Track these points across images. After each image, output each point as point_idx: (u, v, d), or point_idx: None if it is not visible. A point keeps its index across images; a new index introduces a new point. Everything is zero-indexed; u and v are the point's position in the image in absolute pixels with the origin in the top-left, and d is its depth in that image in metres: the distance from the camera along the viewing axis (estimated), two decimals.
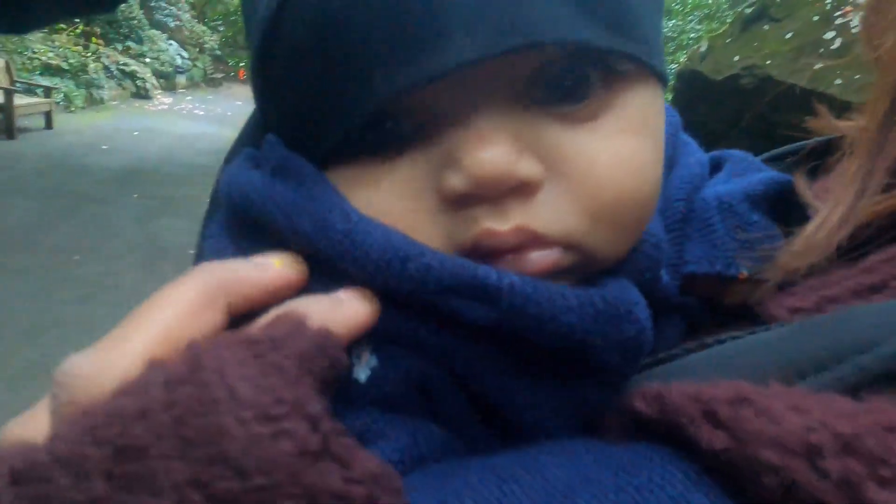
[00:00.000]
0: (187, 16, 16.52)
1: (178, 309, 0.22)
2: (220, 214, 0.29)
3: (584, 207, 0.25)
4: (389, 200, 0.25)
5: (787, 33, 3.46)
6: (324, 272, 0.25)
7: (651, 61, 0.26)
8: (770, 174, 0.35)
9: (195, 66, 16.36)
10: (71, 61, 10.50)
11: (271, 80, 0.27)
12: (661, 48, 0.29)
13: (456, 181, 0.24)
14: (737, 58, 3.67)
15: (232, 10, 9.72)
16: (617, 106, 0.26)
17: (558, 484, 0.19)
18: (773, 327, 0.27)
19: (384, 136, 0.25)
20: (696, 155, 0.37)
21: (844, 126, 0.35)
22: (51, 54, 10.15)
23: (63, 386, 0.21)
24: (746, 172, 0.37)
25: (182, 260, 4.46)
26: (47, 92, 8.63)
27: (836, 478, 0.16)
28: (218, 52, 16.96)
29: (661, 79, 0.28)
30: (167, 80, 14.50)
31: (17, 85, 7.93)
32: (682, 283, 0.33)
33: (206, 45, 17.02)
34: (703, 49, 4.01)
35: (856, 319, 0.23)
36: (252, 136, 0.32)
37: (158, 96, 13.45)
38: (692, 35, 9.94)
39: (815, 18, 3.36)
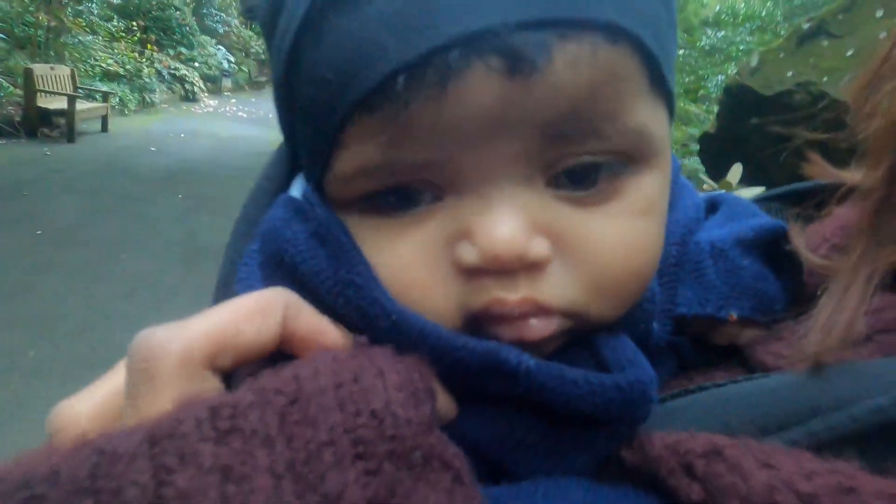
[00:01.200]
0: (235, 21, 17.10)
1: (235, 314, 0.24)
2: (257, 250, 0.30)
3: (589, 282, 0.27)
4: (406, 265, 0.26)
5: (848, 50, 3.34)
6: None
7: (663, 72, 0.27)
8: (762, 220, 0.36)
9: (241, 69, 16.92)
10: (127, 67, 11.05)
11: (293, 110, 0.28)
12: (673, 69, 0.29)
13: (470, 255, 0.25)
14: (790, 73, 3.53)
15: None
16: (624, 191, 0.27)
17: None
18: (756, 377, 0.28)
19: (405, 202, 0.26)
20: (692, 198, 0.38)
21: (839, 174, 0.36)
22: (110, 61, 10.71)
23: (140, 351, 0.23)
24: (740, 217, 0.37)
25: (220, 258, 4.65)
26: (105, 97, 9.13)
27: None
28: (263, 57, 17.48)
29: (669, 104, 0.29)
30: (214, 84, 15.05)
31: (79, 91, 8.42)
32: (676, 324, 0.34)
33: (251, 50, 17.58)
34: (753, 63, 3.89)
35: (835, 375, 0.24)
36: (279, 169, 0.35)
37: (205, 99, 13.98)
38: (742, 47, 9.68)
39: (882, 35, 3.22)
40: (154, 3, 13.08)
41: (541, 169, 0.26)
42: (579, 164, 0.26)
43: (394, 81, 0.23)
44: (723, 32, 10.72)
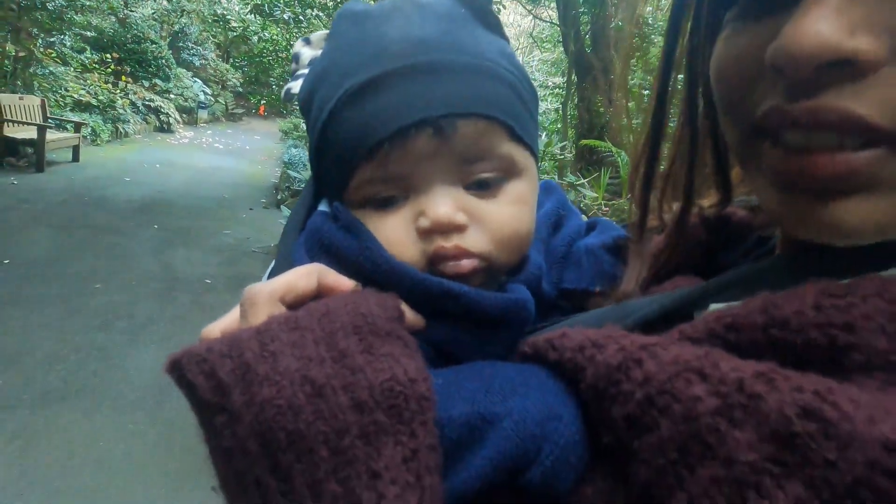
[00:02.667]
0: (212, 55, 17.16)
1: (294, 275, 0.41)
2: (302, 242, 0.49)
3: (491, 238, 0.47)
4: (392, 232, 0.46)
5: None
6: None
7: (533, 147, 0.51)
8: (619, 232, 0.59)
9: (217, 101, 16.91)
10: (100, 98, 10.95)
11: (324, 159, 0.49)
12: (536, 139, 0.52)
13: (425, 223, 0.46)
14: None
15: (256, 51, 10.12)
16: (506, 190, 0.49)
17: (480, 368, 0.39)
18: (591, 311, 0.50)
19: (390, 201, 0.47)
20: (576, 220, 0.61)
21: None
22: (82, 92, 10.61)
23: (247, 294, 0.39)
24: (607, 232, 0.59)
25: (195, 290, 4.60)
26: (77, 127, 9.01)
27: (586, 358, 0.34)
28: (240, 90, 17.54)
29: (535, 158, 0.52)
30: (189, 115, 14.99)
31: (50, 121, 8.29)
32: (563, 295, 0.55)
33: (228, 83, 17.61)
34: None
35: (624, 305, 0.45)
36: (309, 197, 0.54)
37: (181, 130, 13.89)
38: None
39: None
40: (129, 36, 13.07)
41: (460, 180, 0.47)
42: (480, 179, 0.47)
43: (381, 145, 0.44)
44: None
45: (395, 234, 0.46)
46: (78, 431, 2.61)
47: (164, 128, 13.34)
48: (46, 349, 3.25)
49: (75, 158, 8.64)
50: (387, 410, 0.31)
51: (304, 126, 10.57)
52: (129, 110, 11.96)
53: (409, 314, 0.42)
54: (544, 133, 8.89)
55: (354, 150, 0.44)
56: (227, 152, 12.33)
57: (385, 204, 0.47)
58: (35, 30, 9.89)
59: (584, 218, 0.63)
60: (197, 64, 16.24)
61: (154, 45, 13.76)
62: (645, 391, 0.29)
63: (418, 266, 0.45)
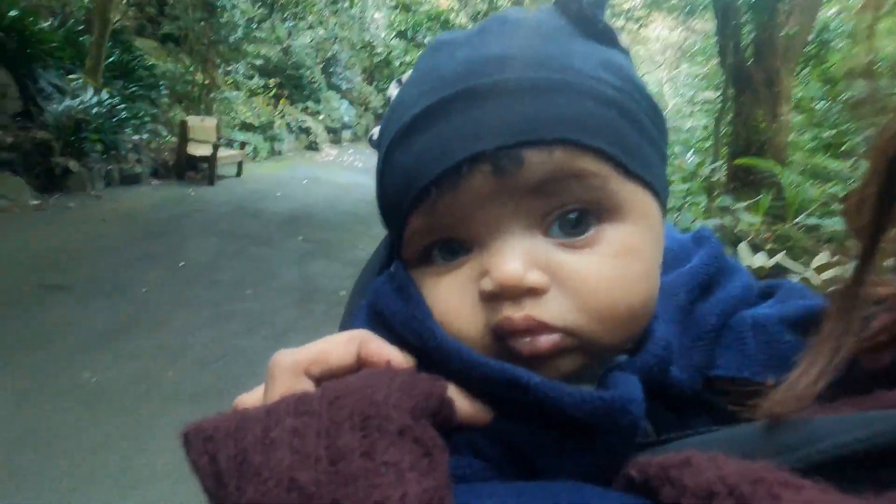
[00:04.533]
0: (358, 79, 18.52)
1: (328, 343, 0.36)
2: (365, 305, 0.42)
3: (581, 307, 0.35)
4: (447, 296, 0.38)
5: None
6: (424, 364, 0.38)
7: (652, 182, 0.38)
8: (810, 302, 0.41)
9: (359, 122, 18.18)
10: (262, 119, 12.30)
11: (385, 207, 0.42)
12: (658, 170, 0.40)
13: (488, 285, 0.36)
14: None
15: (397, 73, 10.80)
16: (604, 238, 0.36)
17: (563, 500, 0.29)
18: (731, 426, 0.35)
19: (448, 255, 0.38)
20: (741, 279, 0.45)
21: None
22: (248, 114, 12.00)
23: (271, 363, 0.36)
24: (790, 299, 0.42)
25: (332, 301, 4.98)
26: (241, 145, 10.21)
27: None
28: (380, 111, 18.72)
29: (658, 195, 0.39)
30: (335, 135, 16.27)
31: (221, 140, 9.49)
32: (713, 386, 0.40)
33: (370, 105, 18.88)
34: None
35: (784, 428, 0.30)
36: (384, 252, 0.49)
37: (326, 149, 15.13)
38: None
39: None
40: (290, 63, 14.55)
41: (535, 223, 0.36)
42: (563, 213, 0.36)
43: (427, 190, 0.36)
44: (880, 82, 9.88)
45: (453, 299, 0.37)
46: None
47: (312, 146, 14.61)
48: (201, 350, 3.72)
49: (238, 174, 9.78)
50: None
51: None
52: (284, 130, 13.27)
53: (465, 405, 0.35)
54: (691, 152, 8.36)
55: (401, 197, 0.37)
56: (365, 170, 13.17)
57: (443, 260, 0.39)
58: (218, 60, 11.40)
59: (754, 278, 0.45)
60: (344, 87, 17.61)
61: (309, 71, 15.18)
62: None
63: (481, 342, 0.36)
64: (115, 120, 7.41)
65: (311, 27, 14.55)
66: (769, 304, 0.43)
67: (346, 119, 17.00)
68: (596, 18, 0.39)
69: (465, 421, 0.35)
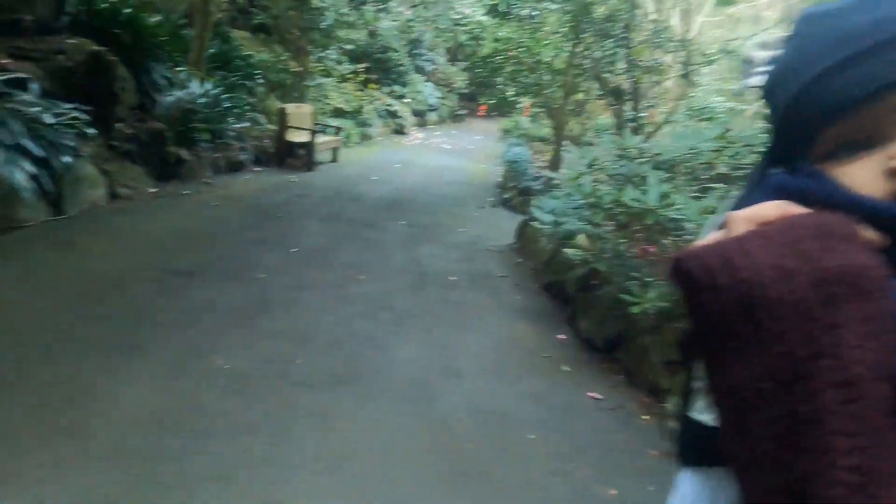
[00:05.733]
0: (442, 59, 18.30)
1: (763, 207, 0.43)
2: (760, 194, 0.48)
3: None
4: (858, 176, 0.47)
5: None
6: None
7: None
8: None
9: (444, 104, 17.99)
10: (353, 104, 12.37)
11: (790, 131, 0.52)
12: None
13: (893, 163, 0.45)
14: None
15: (487, 53, 10.45)
16: None
17: None
18: None
19: (850, 150, 0.47)
20: None
21: None
22: (340, 100, 12.09)
23: (731, 221, 0.43)
24: None
25: (442, 284, 4.81)
26: (336, 131, 10.27)
27: None
28: (465, 91, 18.45)
29: None
30: (420, 118, 16.18)
31: (317, 126, 9.58)
32: None
33: (454, 85, 18.62)
34: None
35: None
36: (765, 163, 0.56)
37: (413, 132, 15.07)
38: None
39: None
40: (377, 47, 14.55)
41: None
42: None
43: (857, 106, 0.47)
44: None
45: (861, 176, 0.47)
46: (361, 417, 2.82)
47: (400, 130, 14.58)
48: (329, 334, 3.61)
49: (334, 159, 9.84)
50: (843, 285, 0.36)
51: (523, 124, 10.56)
52: (374, 115, 13.30)
53: (868, 232, 0.42)
54: None
55: (829, 114, 0.48)
56: (453, 152, 13.00)
57: (849, 156, 0.48)
58: (310, 47, 11.53)
59: None
60: (428, 69, 17.45)
61: (395, 54, 15.12)
62: None
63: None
64: (218, 109, 7.58)
65: (395, 11, 14.45)
66: None
67: (430, 101, 16.86)
68: None
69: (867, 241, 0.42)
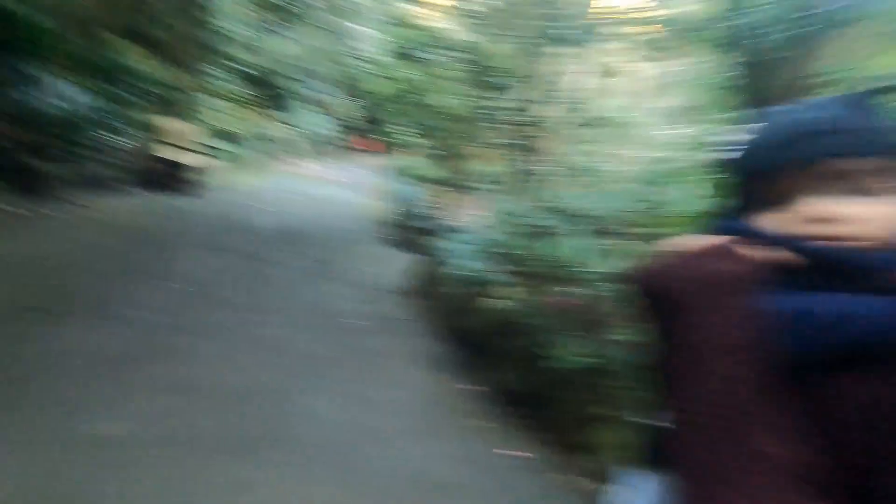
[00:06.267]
0: (337, 92, 18.10)
1: (706, 238, 0.65)
2: (710, 232, 0.68)
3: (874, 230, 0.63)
4: (775, 223, 0.66)
5: None
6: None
7: None
8: None
9: (336, 136, 17.74)
10: (241, 128, 11.71)
11: (751, 188, 0.69)
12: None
13: (807, 214, 0.64)
14: None
15: (390, 93, 10.49)
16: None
17: None
18: None
19: (780, 207, 0.67)
20: None
21: None
22: (228, 122, 11.40)
23: (675, 245, 0.63)
24: None
25: (351, 329, 4.53)
26: (224, 154, 9.61)
27: None
28: (359, 125, 18.34)
29: None
30: (311, 148, 15.77)
31: (199, 147, 8.88)
32: None
33: (349, 119, 18.47)
34: None
35: None
36: (717, 213, 0.74)
37: (303, 161, 14.61)
38: None
39: None
40: (272, 71, 14.02)
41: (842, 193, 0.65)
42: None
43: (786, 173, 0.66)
44: None
45: (783, 221, 0.63)
46: (283, 490, 2.47)
47: (289, 158, 14.04)
48: (230, 387, 3.20)
49: (219, 184, 9.13)
50: (717, 285, 0.56)
51: (417, 164, 10.47)
52: (263, 140, 12.68)
53: (748, 250, 0.61)
54: None
55: (774, 176, 0.65)
56: (344, 185, 12.75)
57: (774, 209, 0.65)
58: (195, 62, 10.76)
59: None
60: (323, 100, 17.15)
61: (290, 82, 14.65)
62: None
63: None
64: (91, 120, 6.75)
65: (294, 39, 14.10)
66: None
67: (322, 132, 16.54)
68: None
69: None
